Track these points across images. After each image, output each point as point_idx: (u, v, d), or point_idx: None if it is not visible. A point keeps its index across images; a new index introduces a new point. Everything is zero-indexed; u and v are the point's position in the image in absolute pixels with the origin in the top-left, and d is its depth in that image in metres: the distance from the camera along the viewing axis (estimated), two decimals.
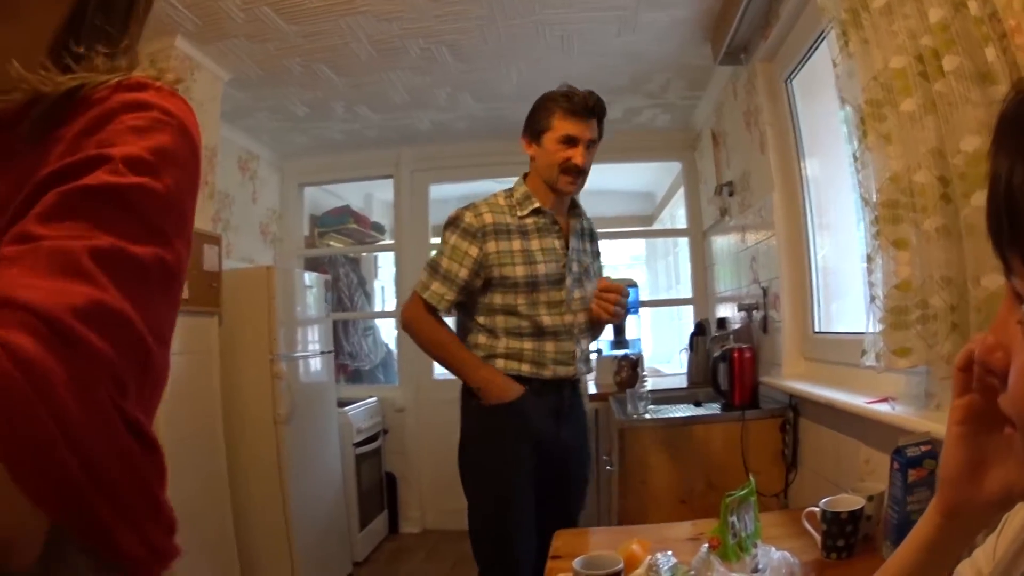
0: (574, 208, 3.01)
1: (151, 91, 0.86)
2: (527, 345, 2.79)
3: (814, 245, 3.44)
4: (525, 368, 2.79)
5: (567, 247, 2.89)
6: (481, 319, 2.83)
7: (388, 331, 7.03)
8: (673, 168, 6.45)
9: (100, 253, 0.67)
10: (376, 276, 7.68)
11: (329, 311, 5.21)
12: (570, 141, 2.78)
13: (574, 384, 2.96)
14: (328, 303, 5.18)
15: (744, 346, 3.64)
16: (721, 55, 3.91)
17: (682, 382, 4.84)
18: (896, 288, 1.92)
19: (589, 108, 2.79)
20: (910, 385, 2.20)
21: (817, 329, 3.39)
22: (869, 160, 2.03)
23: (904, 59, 1.79)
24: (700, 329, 4.75)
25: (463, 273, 2.74)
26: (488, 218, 2.79)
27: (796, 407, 3.31)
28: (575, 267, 2.89)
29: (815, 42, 3.11)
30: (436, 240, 7.21)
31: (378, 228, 7.13)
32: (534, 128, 2.87)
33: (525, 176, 2.97)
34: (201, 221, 3.92)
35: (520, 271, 2.76)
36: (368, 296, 7.16)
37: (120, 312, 0.66)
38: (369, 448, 5.55)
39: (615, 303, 2.83)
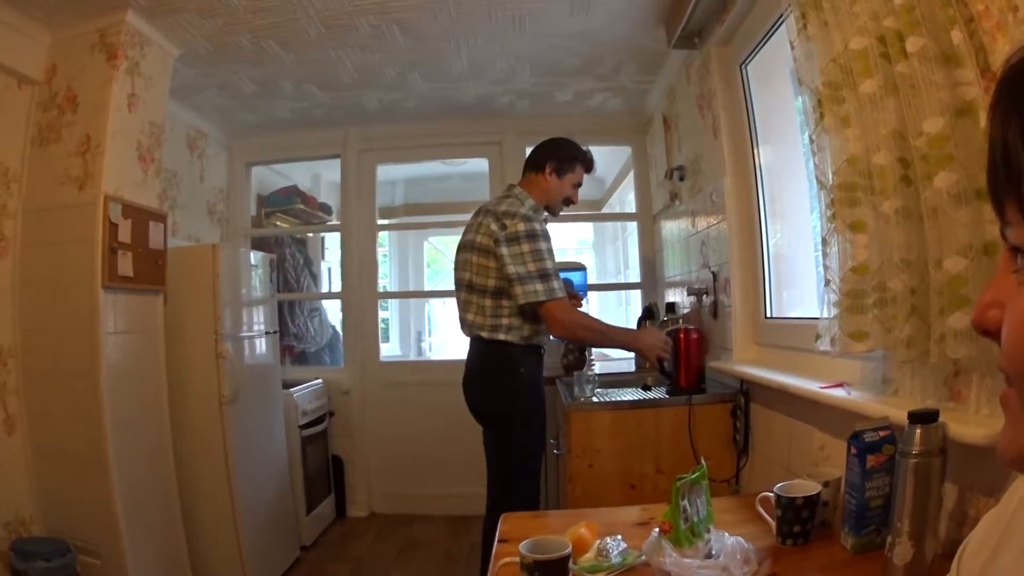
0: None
1: None
2: (542, 326, 3.57)
3: (766, 231, 3.44)
4: (544, 339, 3.64)
5: None
6: (509, 303, 3.50)
7: (334, 313, 6.94)
8: (623, 152, 6.44)
9: None
10: (323, 257, 7.60)
11: (274, 291, 5.13)
12: (577, 186, 3.80)
13: None
14: (273, 283, 5.11)
15: (691, 327, 3.68)
16: (675, 39, 3.88)
17: (631, 366, 4.83)
18: (852, 271, 1.91)
19: (593, 167, 3.87)
20: (866, 370, 2.19)
21: (769, 315, 3.39)
22: (826, 143, 2.00)
23: (865, 40, 1.77)
24: (648, 313, 4.73)
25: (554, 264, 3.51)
26: (542, 224, 3.58)
27: (747, 392, 3.31)
28: None
29: (772, 26, 3.09)
30: (384, 221, 7.26)
31: (325, 209, 7.05)
32: (562, 167, 3.73)
33: (522, 188, 3.74)
34: (147, 199, 3.86)
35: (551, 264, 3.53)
36: (315, 277, 7.08)
37: None
38: (315, 431, 5.49)
39: None
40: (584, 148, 3.80)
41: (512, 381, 3.52)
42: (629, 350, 3.88)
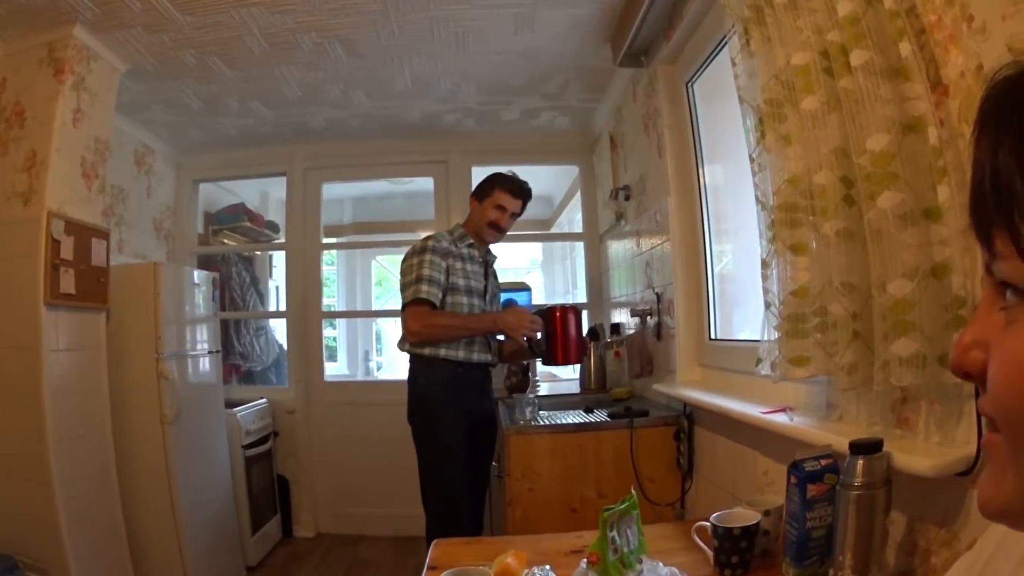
0: (490, 248, 4.03)
1: None
2: (462, 338, 3.71)
3: (711, 251, 3.40)
4: (461, 354, 3.70)
5: (486, 272, 3.95)
6: None
7: (281, 331, 6.85)
8: (571, 172, 6.41)
9: None
10: (271, 275, 7.52)
11: (217, 310, 5.06)
12: (502, 209, 3.81)
13: (488, 367, 3.89)
14: (216, 302, 5.03)
15: (566, 304, 4.19)
16: (621, 56, 3.85)
17: (576, 387, 4.78)
18: (793, 295, 1.85)
19: (523, 193, 3.89)
20: (811, 395, 2.15)
21: (714, 336, 3.35)
22: (767, 162, 1.96)
23: (808, 55, 1.72)
24: (593, 334, 4.69)
25: (441, 277, 3.66)
26: (444, 244, 3.77)
27: (691, 415, 3.27)
28: (492, 285, 4.00)
29: (719, 44, 3.07)
30: (330, 240, 7.19)
31: (272, 227, 6.98)
32: (481, 192, 3.87)
33: (463, 223, 3.98)
34: (91, 215, 3.83)
35: (462, 282, 3.75)
36: (261, 295, 7.00)
37: None
38: (259, 450, 5.42)
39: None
40: (512, 175, 3.91)
41: (412, 392, 3.75)
42: (494, 333, 3.87)
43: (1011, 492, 0.56)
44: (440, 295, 3.64)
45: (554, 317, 3.81)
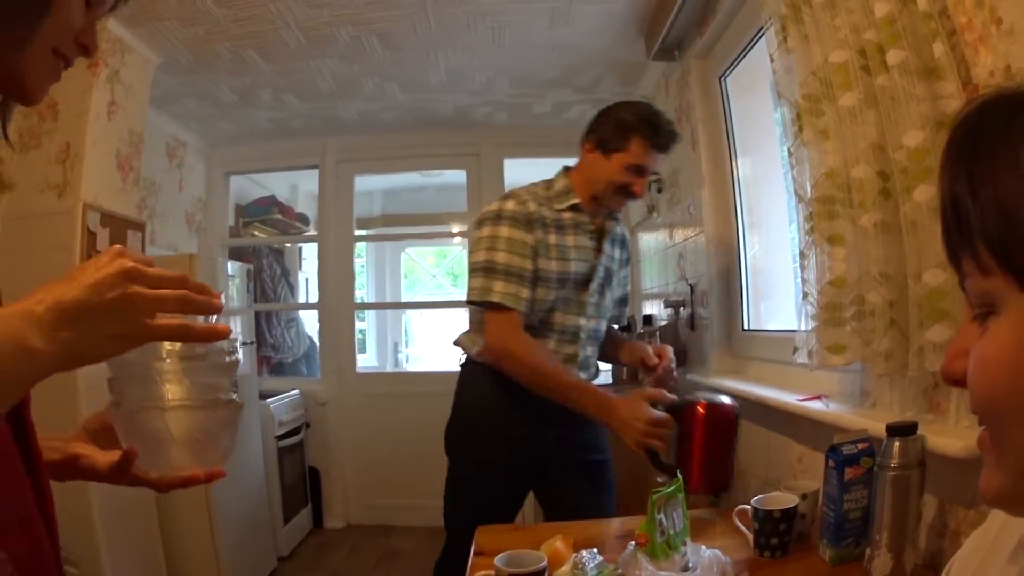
0: (616, 213, 2.84)
1: None
2: None
3: (745, 243, 3.44)
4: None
5: (599, 249, 2.74)
6: None
7: (311, 323, 6.93)
8: None
9: None
10: (300, 268, 7.59)
11: (251, 302, 5.11)
12: (639, 171, 2.61)
13: None
14: (250, 293, 5.09)
15: (716, 400, 2.36)
16: (655, 50, 3.90)
17: (608, 379, 4.82)
18: (830, 284, 1.91)
19: (670, 145, 2.65)
20: (844, 383, 2.20)
21: (746, 327, 3.39)
22: (805, 156, 2.01)
23: (845, 53, 1.77)
24: (626, 326, 4.73)
25: (528, 264, 2.53)
26: (532, 207, 2.59)
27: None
28: (602, 271, 2.74)
29: (753, 39, 3.11)
30: (362, 232, 7.23)
31: (303, 219, 7.06)
32: (607, 142, 2.62)
33: (567, 170, 2.78)
34: (126, 207, 3.85)
35: (554, 266, 2.58)
36: (292, 288, 7.07)
37: None
38: (291, 441, 5.46)
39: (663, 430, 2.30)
40: (656, 114, 2.63)
41: (456, 401, 2.88)
42: (599, 422, 2.50)
43: (1002, 481, 0.64)
44: (529, 292, 2.53)
45: (694, 420, 2.26)
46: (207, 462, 1.07)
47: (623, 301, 3.01)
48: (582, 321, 2.69)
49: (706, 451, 2.22)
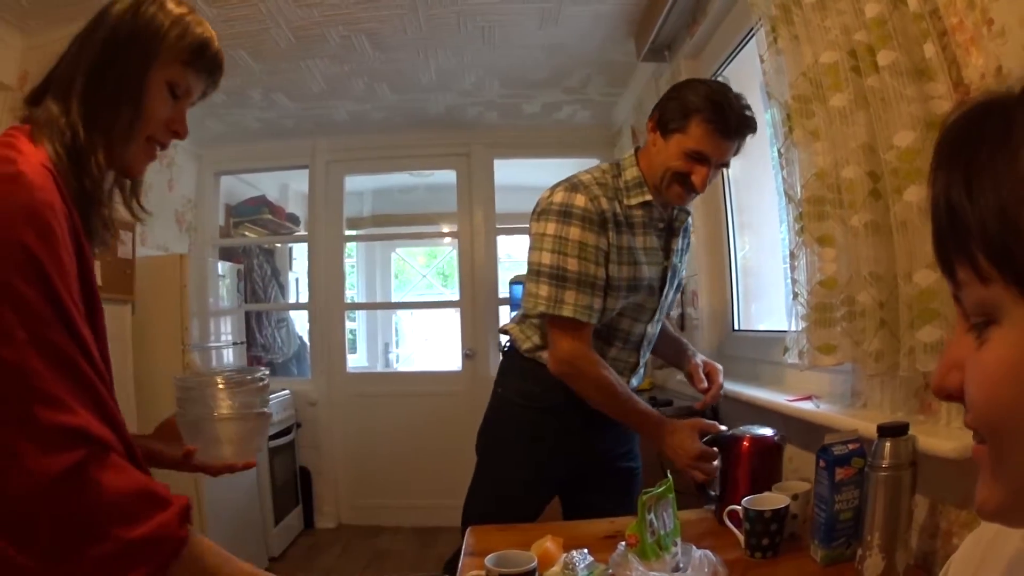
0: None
1: None
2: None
3: (735, 243, 3.45)
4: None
5: (668, 249, 2.46)
6: None
7: (301, 323, 6.93)
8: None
9: None
10: (291, 268, 7.58)
11: (242, 302, 5.10)
12: (699, 159, 2.25)
13: None
14: (241, 293, 5.08)
15: (761, 433, 2.25)
16: (645, 51, 3.90)
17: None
18: (820, 285, 1.91)
19: (740, 129, 2.26)
20: (835, 383, 2.20)
21: (736, 327, 3.39)
22: (795, 157, 2.01)
23: (836, 54, 1.78)
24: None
25: (600, 272, 2.27)
26: (604, 203, 2.29)
27: (715, 405, 3.31)
28: (672, 274, 2.48)
29: (742, 40, 3.11)
30: (352, 232, 7.23)
31: (293, 219, 7.05)
32: (667, 121, 2.29)
33: (637, 152, 2.44)
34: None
35: (625, 272, 2.33)
36: (282, 288, 7.07)
37: None
38: (282, 442, 5.45)
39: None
40: (723, 92, 2.26)
41: (498, 391, 2.62)
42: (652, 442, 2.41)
43: (1000, 496, 0.63)
44: (601, 303, 2.30)
45: (740, 454, 2.19)
46: (245, 455, 1.55)
47: (679, 289, 2.72)
48: (649, 328, 2.49)
49: (751, 483, 2.10)
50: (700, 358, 2.64)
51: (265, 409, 1.60)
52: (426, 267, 9.13)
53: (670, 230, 2.47)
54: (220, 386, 1.54)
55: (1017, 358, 0.58)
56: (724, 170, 2.48)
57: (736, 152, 2.33)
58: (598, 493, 2.55)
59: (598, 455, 2.54)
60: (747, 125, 2.26)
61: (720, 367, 2.60)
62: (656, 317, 2.50)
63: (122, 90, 1.36)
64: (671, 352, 2.78)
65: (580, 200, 2.27)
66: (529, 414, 2.46)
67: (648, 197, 2.35)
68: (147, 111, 1.41)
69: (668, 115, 2.28)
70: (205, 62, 1.53)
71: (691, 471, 2.24)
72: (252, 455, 1.57)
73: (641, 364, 2.56)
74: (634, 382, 2.55)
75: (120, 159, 1.42)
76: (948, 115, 0.66)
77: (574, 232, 2.25)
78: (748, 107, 2.27)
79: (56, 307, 1.11)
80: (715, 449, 2.23)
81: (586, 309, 2.25)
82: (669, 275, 2.46)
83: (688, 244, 2.64)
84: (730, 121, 2.21)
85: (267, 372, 1.63)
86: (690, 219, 2.60)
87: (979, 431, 0.64)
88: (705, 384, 2.54)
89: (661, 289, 2.44)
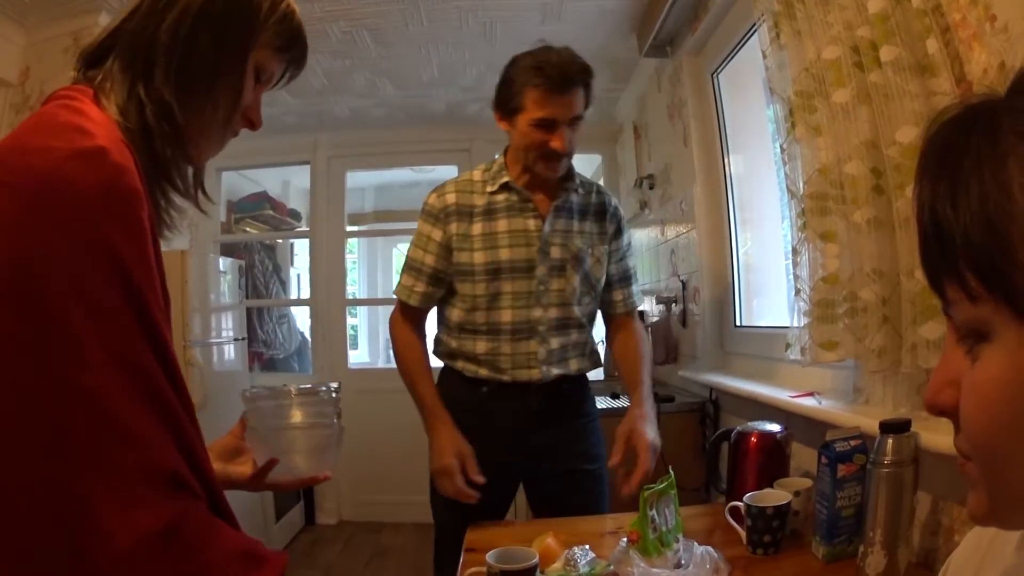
0: (567, 181, 2.45)
1: None
2: (480, 347, 2.40)
3: (737, 239, 3.44)
4: (483, 371, 2.41)
5: (568, 231, 2.43)
6: (444, 312, 2.50)
7: (303, 319, 6.94)
8: (594, 160, 6.42)
9: None
10: (292, 263, 7.56)
11: (243, 298, 5.10)
12: (548, 125, 2.24)
13: (549, 386, 2.42)
14: (242, 289, 5.07)
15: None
16: (647, 47, 3.89)
17: (601, 375, 4.82)
18: (823, 281, 1.91)
19: (569, 80, 2.22)
20: (837, 380, 2.20)
21: (738, 323, 3.39)
22: (797, 152, 2.01)
23: (838, 50, 1.77)
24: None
25: (428, 260, 2.39)
26: (451, 198, 2.39)
27: (716, 401, 3.31)
28: (555, 252, 2.39)
29: (745, 36, 3.11)
30: (353, 228, 7.22)
31: (294, 215, 7.04)
32: (505, 105, 2.31)
33: (507, 148, 2.46)
34: None
35: (478, 257, 2.35)
36: (283, 283, 7.05)
37: None
38: None
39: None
40: (542, 50, 2.28)
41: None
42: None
43: (990, 507, 0.62)
44: (430, 289, 2.42)
45: (748, 449, 2.21)
46: (320, 468, 1.45)
47: (622, 279, 2.64)
48: (537, 313, 2.38)
49: (758, 478, 2.11)
50: (639, 421, 2.36)
51: (336, 420, 1.52)
52: None
53: (582, 212, 2.48)
54: (293, 395, 1.49)
55: (1008, 378, 0.57)
56: (580, 123, 2.31)
57: (588, 103, 2.32)
58: (558, 497, 2.52)
59: (551, 453, 2.48)
60: (575, 73, 2.24)
61: (656, 445, 2.35)
62: (543, 300, 2.39)
63: (221, 70, 1.17)
64: (625, 380, 2.64)
65: (430, 198, 2.46)
66: (456, 415, 2.40)
67: (506, 179, 2.39)
68: (244, 97, 1.24)
69: (503, 99, 2.31)
70: (296, 52, 1.38)
71: (449, 494, 2.28)
72: (328, 467, 1.45)
73: (545, 353, 2.41)
74: (552, 370, 2.41)
75: (205, 145, 1.26)
76: (932, 122, 0.64)
77: (420, 225, 2.46)
78: (572, 57, 2.26)
79: (143, 322, 0.94)
80: (457, 469, 2.27)
81: (405, 289, 2.44)
82: (550, 256, 2.38)
83: (619, 229, 2.61)
84: (555, 77, 2.20)
85: (338, 385, 1.56)
86: (608, 200, 2.59)
87: (973, 451, 0.62)
88: (618, 459, 2.29)
89: (532, 270, 2.37)
